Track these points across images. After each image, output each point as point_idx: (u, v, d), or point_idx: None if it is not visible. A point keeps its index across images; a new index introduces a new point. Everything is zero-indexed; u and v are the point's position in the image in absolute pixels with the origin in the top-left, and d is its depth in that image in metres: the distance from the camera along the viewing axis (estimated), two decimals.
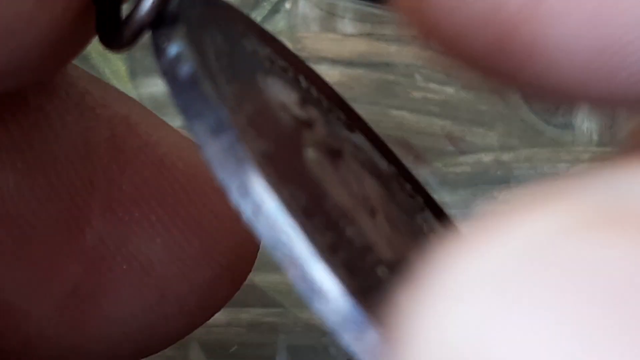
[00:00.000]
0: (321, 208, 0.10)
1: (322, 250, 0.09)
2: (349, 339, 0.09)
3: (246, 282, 0.18)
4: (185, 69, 0.10)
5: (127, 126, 0.14)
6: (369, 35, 0.23)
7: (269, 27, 0.23)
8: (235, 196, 0.09)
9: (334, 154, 0.12)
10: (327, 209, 0.10)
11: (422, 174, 0.23)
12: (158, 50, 0.10)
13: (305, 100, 0.12)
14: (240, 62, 0.12)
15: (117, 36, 0.11)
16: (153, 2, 0.11)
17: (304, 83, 0.13)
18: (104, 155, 0.14)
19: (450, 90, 0.23)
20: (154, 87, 0.23)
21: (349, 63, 0.23)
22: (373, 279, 0.10)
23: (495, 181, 0.23)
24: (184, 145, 0.15)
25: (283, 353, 0.21)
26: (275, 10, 0.23)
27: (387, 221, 0.12)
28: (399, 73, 0.23)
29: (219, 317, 0.21)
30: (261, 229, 0.09)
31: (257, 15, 0.23)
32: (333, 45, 0.23)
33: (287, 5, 0.23)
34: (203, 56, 0.10)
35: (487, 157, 0.23)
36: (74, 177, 0.14)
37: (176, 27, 0.10)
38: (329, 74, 0.23)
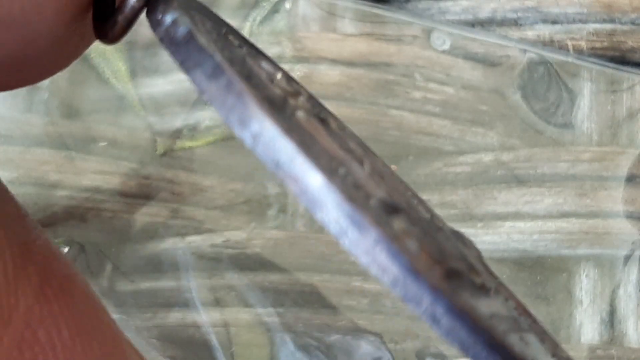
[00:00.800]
0: (313, 148, 0.11)
1: (320, 167, 0.10)
2: (351, 240, 0.10)
3: (247, 282, 0.18)
4: (182, 29, 0.11)
5: None
6: (369, 35, 0.23)
7: (269, 27, 0.23)
8: (237, 129, 0.11)
9: (321, 121, 0.13)
10: (317, 150, 0.11)
11: (422, 173, 0.23)
12: (155, 22, 0.12)
13: (289, 78, 0.13)
14: (228, 42, 0.13)
15: (112, 24, 0.12)
16: None
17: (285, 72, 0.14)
18: None
19: (450, 90, 0.23)
20: (154, 87, 0.23)
21: (349, 63, 0.23)
22: (368, 206, 0.11)
23: (495, 181, 0.23)
24: None
25: (283, 353, 0.21)
26: (275, 10, 0.23)
27: (374, 169, 0.13)
28: (399, 73, 0.23)
29: (219, 316, 0.21)
30: (262, 153, 0.11)
31: (257, 15, 0.23)
32: (333, 45, 0.23)
33: (287, 5, 0.23)
34: (196, 22, 0.12)
35: (487, 157, 0.23)
36: None
37: (169, 1, 0.12)
38: (329, 74, 0.23)
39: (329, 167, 0.11)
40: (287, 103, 0.12)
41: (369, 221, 0.10)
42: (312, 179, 0.10)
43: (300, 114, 0.12)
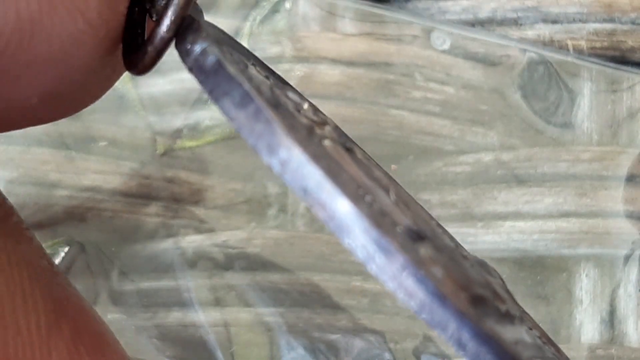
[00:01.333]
0: (340, 175, 0.12)
1: (347, 193, 0.11)
2: (378, 265, 0.10)
3: (247, 281, 0.18)
4: (211, 58, 0.12)
5: None
6: (369, 34, 0.23)
7: (269, 26, 0.23)
8: (265, 156, 0.11)
9: (347, 150, 0.13)
10: (345, 178, 0.12)
11: (422, 173, 0.23)
12: (184, 51, 0.12)
13: (316, 109, 0.14)
14: (255, 72, 0.13)
15: (142, 55, 0.12)
16: (172, 20, 0.12)
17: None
18: None
19: (450, 89, 0.23)
20: (154, 87, 0.23)
21: (349, 63, 0.23)
22: (395, 232, 0.11)
23: (495, 181, 0.23)
24: None
25: (283, 352, 0.21)
26: (275, 9, 0.23)
27: (399, 199, 0.13)
28: (399, 73, 0.23)
29: (219, 316, 0.21)
30: (290, 180, 0.11)
31: (257, 15, 0.23)
32: (333, 45, 0.23)
33: (287, 5, 0.23)
34: (224, 52, 0.12)
35: (487, 157, 0.23)
36: None
37: (199, 32, 0.12)
38: (329, 73, 0.23)
39: (356, 194, 0.11)
40: (314, 132, 0.13)
41: (396, 247, 0.10)
42: (339, 205, 0.11)
43: (327, 143, 0.13)
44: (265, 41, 0.23)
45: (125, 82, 0.23)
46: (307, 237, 0.22)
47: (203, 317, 0.21)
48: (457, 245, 0.14)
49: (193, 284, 0.21)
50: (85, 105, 0.14)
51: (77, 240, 0.22)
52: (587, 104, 0.23)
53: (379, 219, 0.11)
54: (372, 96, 0.23)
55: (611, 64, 0.23)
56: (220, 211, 0.22)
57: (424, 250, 0.11)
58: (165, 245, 0.22)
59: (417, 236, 0.11)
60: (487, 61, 0.23)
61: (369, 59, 0.23)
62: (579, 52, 0.23)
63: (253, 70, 0.13)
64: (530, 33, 0.24)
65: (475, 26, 0.24)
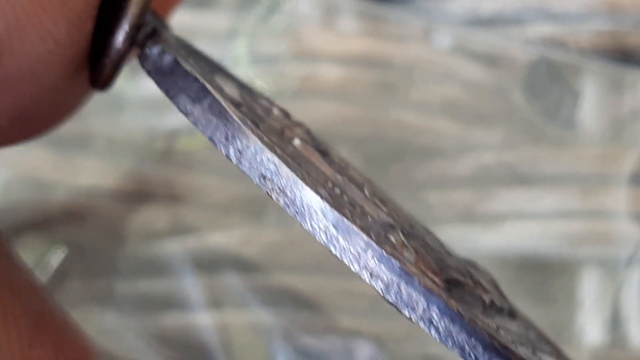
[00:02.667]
0: (304, 165, 0.12)
1: (307, 178, 0.11)
2: (339, 248, 0.11)
3: (245, 283, 0.17)
4: (168, 58, 0.12)
5: None
6: (369, 34, 0.23)
7: (269, 25, 0.23)
8: (222, 147, 0.11)
9: (321, 151, 0.13)
10: (309, 168, 0.12)
11: (422, 173, 0.23)
12: (143, 57, 0.12)
13: (287, 114, 0.14)
14: (220, 81, 0.13)
15: (100, 68, 0.13)
16: (126, 31, 0.12)
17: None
18: None
19: (451, 89, 0.23)
20: (153, 87, 0.23)
21: (349, 62, 0.23)
22: (358, 217, 0.11)
23: (496, 181, 0.22)
24: None
25: (280, 354, 0.21)
26: (275, 9, 0.23)
27: (374, 195, 0.13)
28: (399, 72, 0.23)
29: (217, 318, 0.21)
30: (247, 168, 0.11)
31: (257, 14, 0.23)
32: (333, 44, 0.23)
33: (287, 4, 0.23)
34: (182, 54, 0.12)
35: (488, 157, 0.23)
36: None
37: (157, 37, 0.12)
38: (329, 72, 0.23)
39: (318, 180, 0.11)
40: (284, 133, 0.13)
41: (357, 228, 0.10)
42: (300, 189, 0.11)
43: (297, 142, 0.12)
44: (265, 41, 0.23)
45: (125, 81, 0.23)
46: (306, 239, 0.22)
47: (201, 319, 0.21)
48: (443, 244, 0.14)
49: (191, 285, 0.21)
50: (55, 126, 0.14)
51: (75, 241, 0.22)
52: (589, 104, 0.23)
53: (345, 205, 0.11)
54: (372, 96, 0.23)
55: (614, 63, 0.23)
56: (218, 212, 0.22)
57: (396, 236, 0.11)
58: (164, 245, 0.22)
59: (390, 226, 0.11)
60: (489, 61, 0.23)
61: (369, 58, 0.23)
62: (581, 51, 0.23)
63: (220, 79, 0.13)
64: (532, 32, 0.23)
65: (477, 25, 0.23)
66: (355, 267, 0.11)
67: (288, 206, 0.11)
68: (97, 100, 0.23)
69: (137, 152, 0.22)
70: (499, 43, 0.23)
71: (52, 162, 0.22)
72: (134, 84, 0.23)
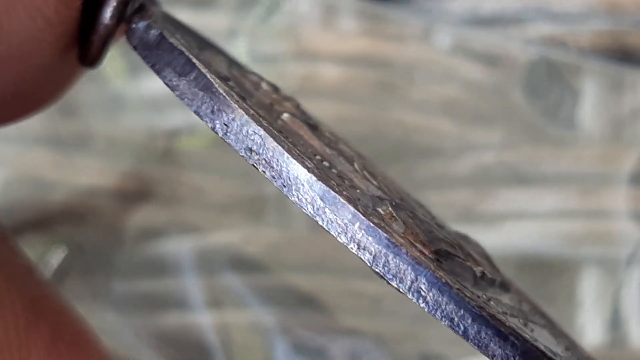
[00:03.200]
0: (291, 137, 0.12)
1: (294, 151, 0.11)
2: (326, 220, 0.10)
3: (245, 282, 0.17)
4: (154, 32, 0.12)
5: None
6: (369, 34, 0.23)
7: (269, 25, 0.23)
8: (208, 120, 0.11)
9: (310, 125, 0.13)
10: (297, 141, 0.12)
11: (422, 173, 0.23)
12: (130, 33, 0.12)
13: (277, 88, 0.14)
14: (208, 55, 0.13)
15: (89, 45, 0.12)
16: (114, 6, 0.12)
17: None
18: None
19: (451, 89, 0.23)
20: (154, 86, 0.23)
21: (349, 62, 0.23)
22: (346, 189, 0.11)
23: (496, 180, 0.22)
24: None
25: (281, 354, 0.21)
26: (275, 8, 0.23)
27: (364, 168, 0.13)
28: (399, 72, 0.23)
29: (217, 317, 0.21)
30: (233, 141, 0.11)
31: (257, 14, 0.23)
32: (333, 44, 0.23)
33: (288, 4, 0.23)
34: (167, 28, 0.12)
35: (488, 156, 0.23)
36: None
37: (144, 12, 0.12)
38: (329, 72, 0.23)
39: (305, 153, 0.11)
40: (273, 108, 0.13)
41: (344, 199, 0.10)
42: (286, 161, 0.11)
43: (285, 116, 0.12)
44: (265, 41, 0.23)
45: (125, 81, 0.23)
46: (306, 238, 0.22)
47: (201, 318, 0.21)
48: (434, 217, 0.14)
49: (190, 284, 0.21)
50: (47, 105, 0.14)
51: (75, 241, 0.22)
52: (589, 103, 0.23)
53: (333, 177, 0.11)
54: (372, 96, 0.23)
55: (614, 63, 0.23)
56: (218, 211, 0.22)
57: (384, 208, 0.11)
58: (164, 245, 0.22)
59: (379, 198, 0.11)
60: (489, 60, 0.23)
61: (369, 58, 0.23)
62: (581, 50, 0.23)
63: (209, 54, 0.13)
64: (532, 32, 0.23)
65: (477, 25, 0.23)
66: (342, 239, 0.10)
67: (275, 179, 0.11)
68: (97, 100, 0.23)
69: (137, 152, 0.22)
70: (499, 43, 0.23)
71: (52, 162, 0.22)
72: (134, 84, 0.23)
